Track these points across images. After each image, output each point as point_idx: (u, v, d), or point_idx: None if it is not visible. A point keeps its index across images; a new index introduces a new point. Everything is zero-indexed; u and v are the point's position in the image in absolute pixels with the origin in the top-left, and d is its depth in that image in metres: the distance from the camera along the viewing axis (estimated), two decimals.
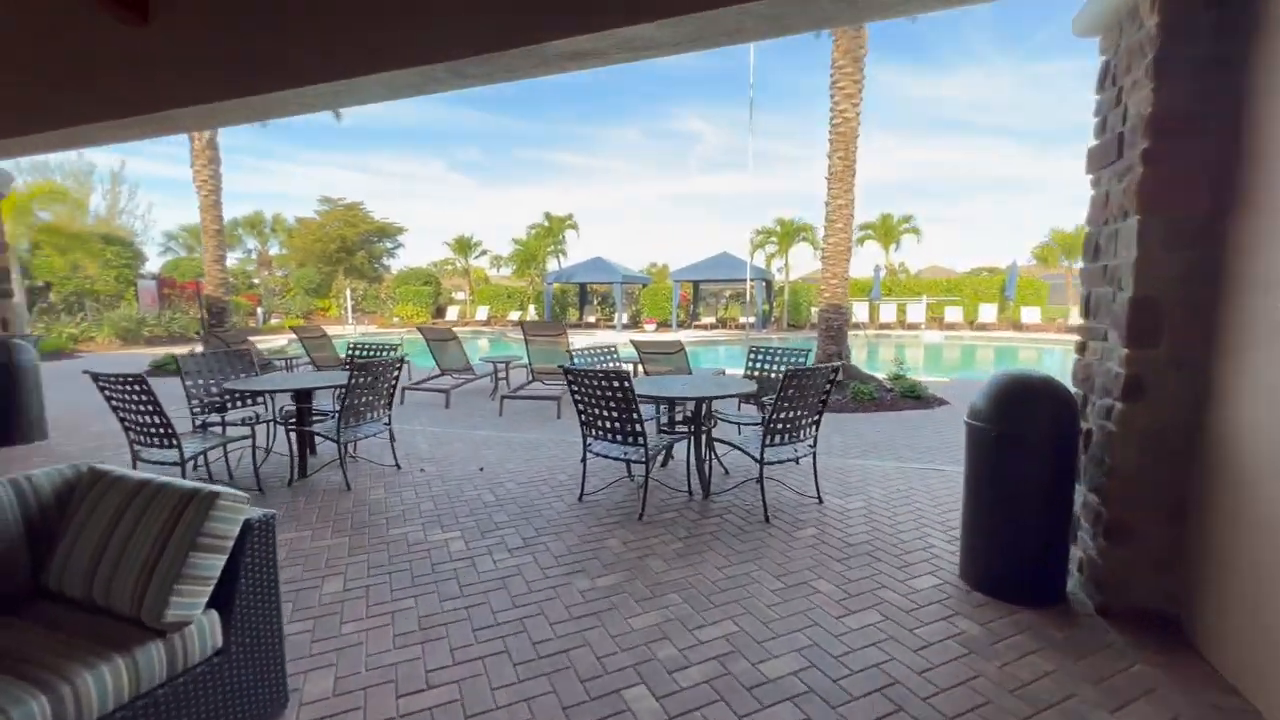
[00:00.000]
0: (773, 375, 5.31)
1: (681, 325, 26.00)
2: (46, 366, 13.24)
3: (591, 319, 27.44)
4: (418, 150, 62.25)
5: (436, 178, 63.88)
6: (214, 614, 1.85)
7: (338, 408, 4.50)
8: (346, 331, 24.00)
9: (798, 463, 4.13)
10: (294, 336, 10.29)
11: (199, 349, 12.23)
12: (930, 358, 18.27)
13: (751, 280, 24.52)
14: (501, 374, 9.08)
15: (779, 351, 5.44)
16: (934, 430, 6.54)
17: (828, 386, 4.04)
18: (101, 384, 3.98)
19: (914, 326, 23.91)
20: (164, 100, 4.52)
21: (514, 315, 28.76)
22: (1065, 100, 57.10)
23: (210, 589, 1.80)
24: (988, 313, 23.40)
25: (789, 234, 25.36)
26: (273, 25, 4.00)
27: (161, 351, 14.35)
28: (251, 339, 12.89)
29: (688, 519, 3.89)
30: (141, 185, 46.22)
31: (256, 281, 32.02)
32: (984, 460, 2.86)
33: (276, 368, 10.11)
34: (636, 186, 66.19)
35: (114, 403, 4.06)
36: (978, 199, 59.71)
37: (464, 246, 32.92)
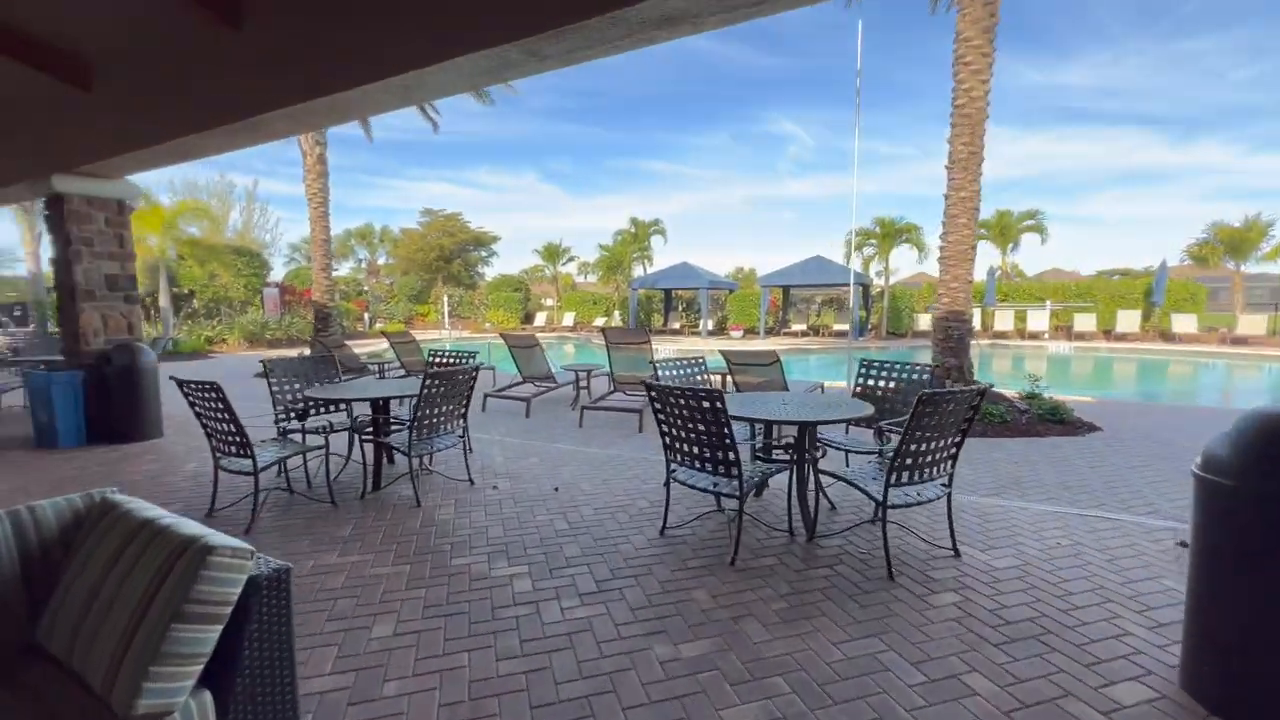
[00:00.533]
0: (883, 393, 4.54)
1: (770, 332, 24.90)
2: (185, 365, 14.61)
3: (676, 325, 26.97)
4: (512, 163, 65.16)
5: (529, 188, 66.46)
6: (206, 697, 1.49)
7: (410, 418, 4.26)
8: (443, 336, 25.05)
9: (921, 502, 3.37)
10: (389, 342, 10.56)
11: (307, 352, 12.98)
12: (1057, 371, 16.15)
13: (848, 285, 23.06)
14: (583, 383, 8.77)
15: (894, 366, 4.64)
16: (1090, 464, 5.41)
17: (971, 414, 3.26)
18: (185, 390, 3.96)
19: (1035, 336, 21.43)
20: (255, 104, 4.51)
21: (599, 321, 28.88)
22: (1220, 79, 49.80)
23: (199, 667, 1.44)
24: (1127, 320, 20.49)
25: (890, 235, 23.58)
26: (347, 19, 3.82)
27: (278, 354, 15.46)
28: (349, 343, 13.56)
29: (790, 568, 3.25)
30: (271, 202, 51.35)
31: (365, 289, 34.35)
32: (1231, 531, 2.03)
33: (370, 371, 10.41)
34: (724, 191, 65.32)
35: (196, 409, 4.03)
36: (1104, 194, 53.43)
37: (553, 254, 33.60)
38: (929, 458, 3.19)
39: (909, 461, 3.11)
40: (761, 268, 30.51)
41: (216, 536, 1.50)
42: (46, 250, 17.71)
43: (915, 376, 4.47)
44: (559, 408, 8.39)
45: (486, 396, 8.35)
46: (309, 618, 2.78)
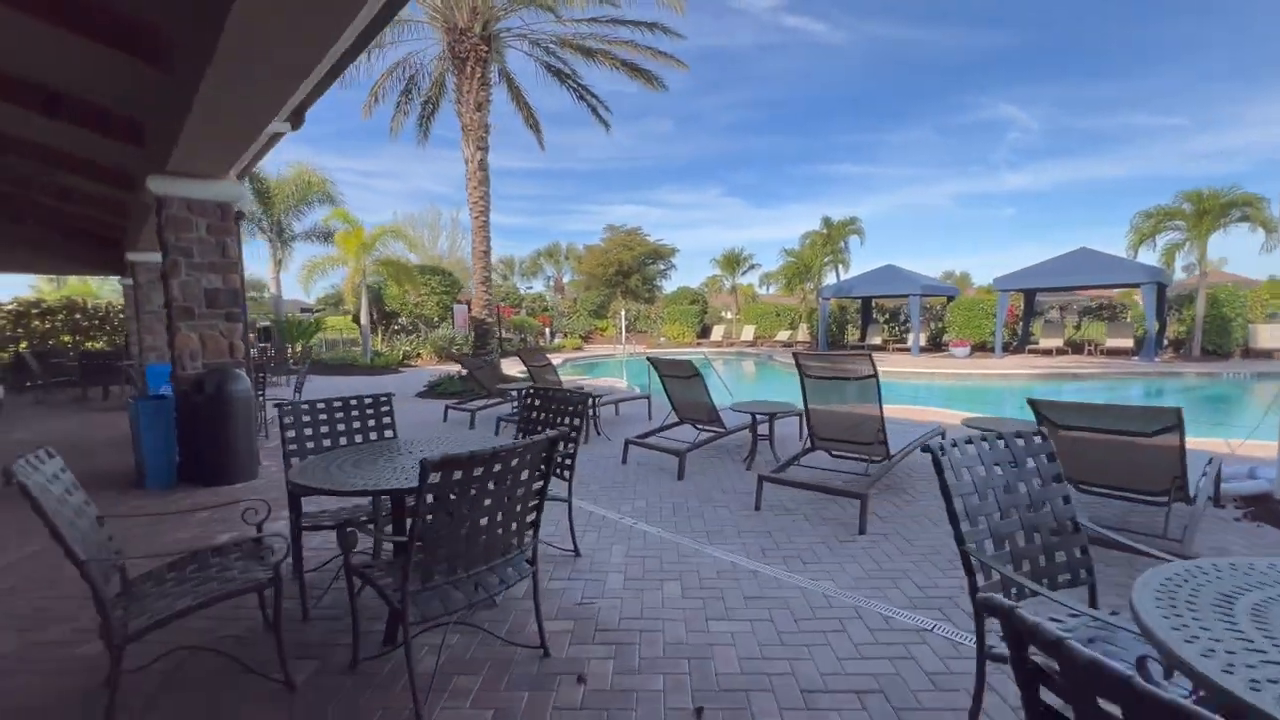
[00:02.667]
0: None
1: (1007, 349, 19.43)
2: (381, 380, 14.94)
3: (877, 340, 22.62)
4: (696, 179, 64.87)
5: (711, 203, 65.34)
6: None
7: (406, 550, 2.08)
8: (616, 351, 24.08)
9: None
10: (527, 364, 9.02)
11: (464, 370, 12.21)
12: None
13: (1138, 285, 16.97)
14: (762, 430, 6.10)
15: None
16: None
17: None
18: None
19: None
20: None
21: (782, 335, 25.65)
22: None
23: None
24: None
25: (1211, 213, 16.60)
26: None
27: (457, 369, 15.19)
28: (500, 361, 12.60)
29: None
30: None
31: (550, 305, 35.42)
32: None
33: (511, 398, 8.97)
34: (924, 190, 57.03)
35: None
36: None
37: (731, 263, 31.26)
38: None
39: None
40: (976, 272, 24.57)
41: None
42: (283, 272, 20.41)
43: None
44: (727, 462, 5.86)
45: (628, 444, 6.12)
46: None
